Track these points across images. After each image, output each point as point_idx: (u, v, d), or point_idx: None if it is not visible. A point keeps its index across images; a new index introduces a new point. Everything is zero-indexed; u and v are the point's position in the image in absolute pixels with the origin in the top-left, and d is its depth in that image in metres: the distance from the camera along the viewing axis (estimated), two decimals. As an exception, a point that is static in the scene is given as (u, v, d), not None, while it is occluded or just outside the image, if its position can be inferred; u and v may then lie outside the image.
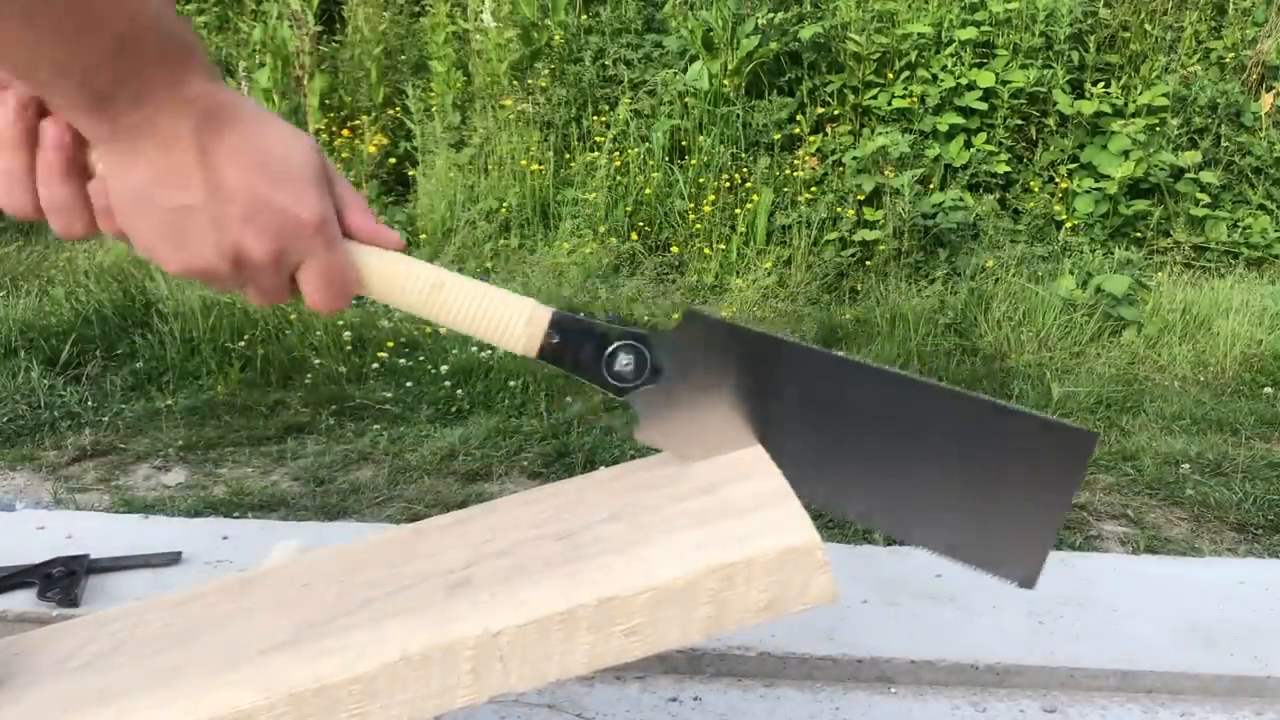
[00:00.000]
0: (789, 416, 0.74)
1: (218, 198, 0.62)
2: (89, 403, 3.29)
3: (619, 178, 4.79)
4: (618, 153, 4.88)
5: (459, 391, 3.38)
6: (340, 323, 3.70)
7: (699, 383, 0.74)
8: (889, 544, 2.19)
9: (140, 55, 0.58)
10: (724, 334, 0.74)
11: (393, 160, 5.21)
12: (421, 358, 3.60)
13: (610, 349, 0.73)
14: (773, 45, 4.95)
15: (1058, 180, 4.85)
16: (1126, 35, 5.17)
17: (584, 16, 5.40)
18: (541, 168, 4.84)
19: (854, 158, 4.77)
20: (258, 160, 0.63)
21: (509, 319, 0.72)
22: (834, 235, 4.53)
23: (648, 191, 4.74)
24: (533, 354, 0.72)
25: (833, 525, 2.58)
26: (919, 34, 4.97)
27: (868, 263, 4.49)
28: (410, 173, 5.14)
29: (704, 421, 0.75)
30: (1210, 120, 4.92)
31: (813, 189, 4.70)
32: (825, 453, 0.74)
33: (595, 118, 5.07)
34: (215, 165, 0.61)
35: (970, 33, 4.90)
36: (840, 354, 0.75)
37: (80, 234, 0.66)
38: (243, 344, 3.55)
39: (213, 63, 0.64)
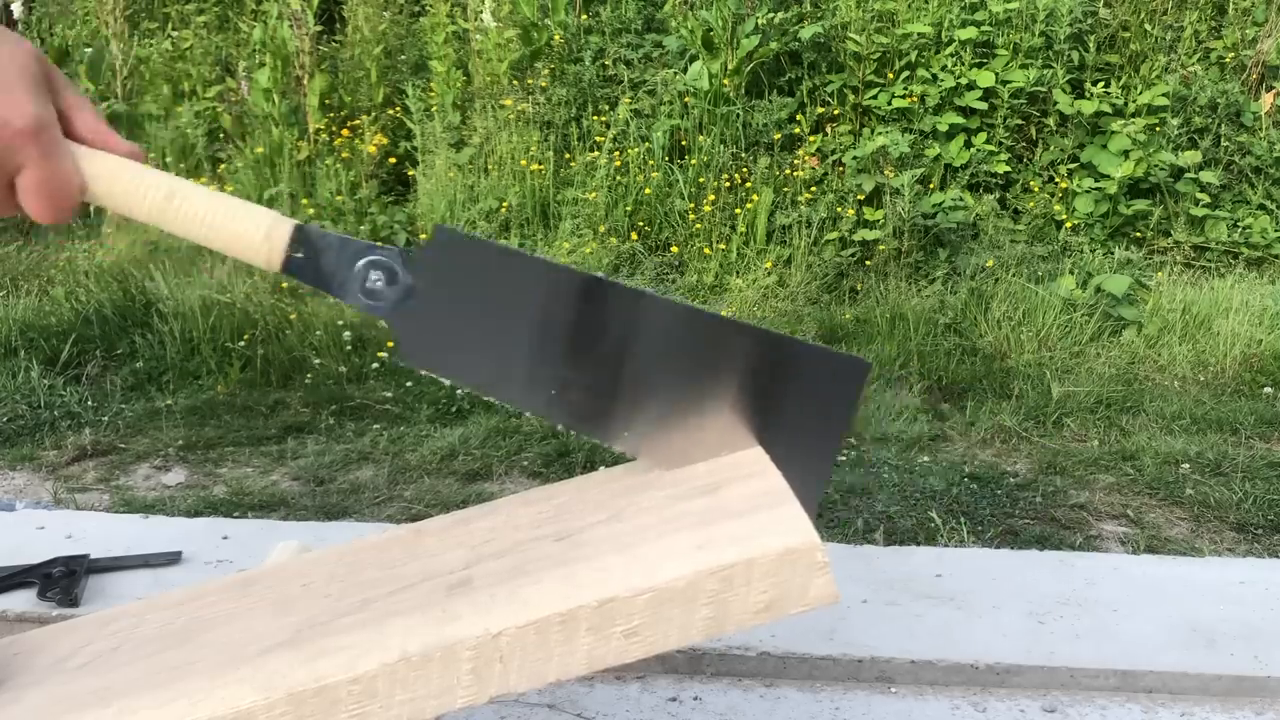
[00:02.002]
0: (549, 338, 0.72)
1: None
2: (89, 403, 3.29)
3: (619, 177, 4.79)
4: (618, 152, 4.88)
5: (459, 391, 3.38)
6: (340, 322, 3.70)
7: (454, 301, 0.72)
8: (889, 544, 2.19)
9: None
10: (475, 250, 0.72)
11: (393, 160, 5.21)
12: (421, 358, 3.60)
13: (359, 264, 0.71)
14: (773, 45, 4.95)
15: (1058, 180, 4.85)
16: (1126, 35, 5.17)
17: (584, 16, 5.40)
18: (541, 167, 4.84)
19: (854, 158, 4.77)
20: None
21: (248, 231, 0.69)
22: (834, 235, 4.53)
23: (648, 191, 4.74)
24: (276, 268, 0.70)
25: (833, 525, 2.58)
26: (919, 34, 4.97)
27: (868, 262, 4.49)
28: (410, 173, 5.14)
29: (462, 343, 0.73)
30: (1210, 120, 4.91)
31: (813, 189, 4.70)
32: (589, 376, 0.73)
33: (595, 118, 5.07)
34: None
35: (970, 32, 4.90)
36: (600, 276, 0.73)
37: None
38: (243, 344, 3.56)
39: None
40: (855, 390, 0.73)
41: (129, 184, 0.68)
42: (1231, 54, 5.16)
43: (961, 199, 4.69)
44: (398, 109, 5.34)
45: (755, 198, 4.60)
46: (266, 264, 0.70)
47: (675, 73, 5.07)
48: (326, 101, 5.25)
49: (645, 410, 0.74)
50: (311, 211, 4.74)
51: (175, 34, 5.77)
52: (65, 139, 0.66)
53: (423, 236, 4.71)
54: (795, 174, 4.73)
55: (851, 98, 5.01)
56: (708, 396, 0.73)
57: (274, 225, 0.70)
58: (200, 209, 0.69)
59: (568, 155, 4.98)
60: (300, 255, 0.70)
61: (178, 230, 0.69)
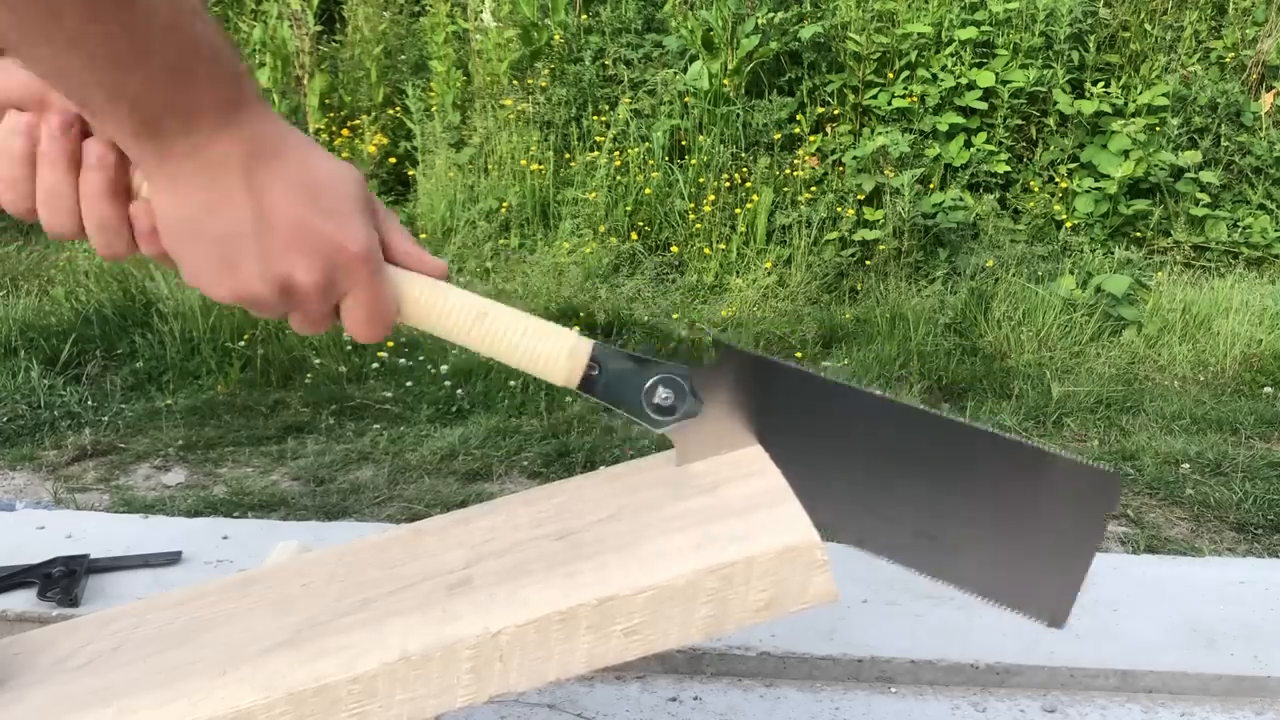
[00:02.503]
0: (824, 453, 0.75)
1: (266, 226, 0.62)
2: (89, 403, 3.29)
3: (619, 177, 4.79)
4: (618, 152, 4.88)
5: (459, 391, 3.38)
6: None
7: (736, 418, 0.74)
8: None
9: (191, 83, 0.58)
10: (759, 369, 0.74)
11: (393, 160, 5.21)
12: (421, 357, 3.60)
13: (650, 382, 0.73)
14: (773, 45, 4.95)
15: (1058, 180, 4.85)
16: (1126, 35, 5.17)
17: (584, 16, 5.40)
18: (541, 167, 4.84)
19: (854, 157, 4.77)
20: (305, 189, 0.63)
21: (552, 351, 0.72)
22: (834, 235, 4.53)
23: (648, 191, 4.74)
24: (574, 385, 0.73)
25: (833, 525, 2.58)
26: (919, 34, 4.97)
27: (868, 262, 4.49)
28: (410, 173, 5.14)
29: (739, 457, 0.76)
30: (1210, 120, 4.91)
31: (813, 189, 4.70)
32: (861, 492, 0.75)
33: (595, 117, 5.07)
34: (263, 193, 0.61)
35: (970, 32, 4.90)
36: (874, 391, 0.75)
37: (122, 254, 0.66)
38: (243, 344, 3.56)
39: (259, 90, 0.64)
40: (1108, 506, 0.73)
41: (441, 305, 0.70)
42: (1231, 54, 5.16)
43: (961, 199, 4.69)
44: (398, 109, 5.34)
45: (755, 198, 4.60)
46: (566, 381, 0.73)
47: (675, 73, 5.07)
48: (326, 101, 5.25)
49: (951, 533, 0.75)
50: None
51: (175, 34, 5.76)
52: (385, 262, 0.68)
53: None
54: (795, 174, 4.73)
55: (851, 98, 5.01)
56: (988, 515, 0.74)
57: (576, 345, 0.72)
58: (508, 328, 0.71)
59: (568, 155, 4.98)
60: (595, 372, 0.73)
61: (485, 349, 0.71)
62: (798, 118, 5.00)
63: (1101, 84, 4.98)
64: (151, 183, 0.63)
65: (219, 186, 0.61)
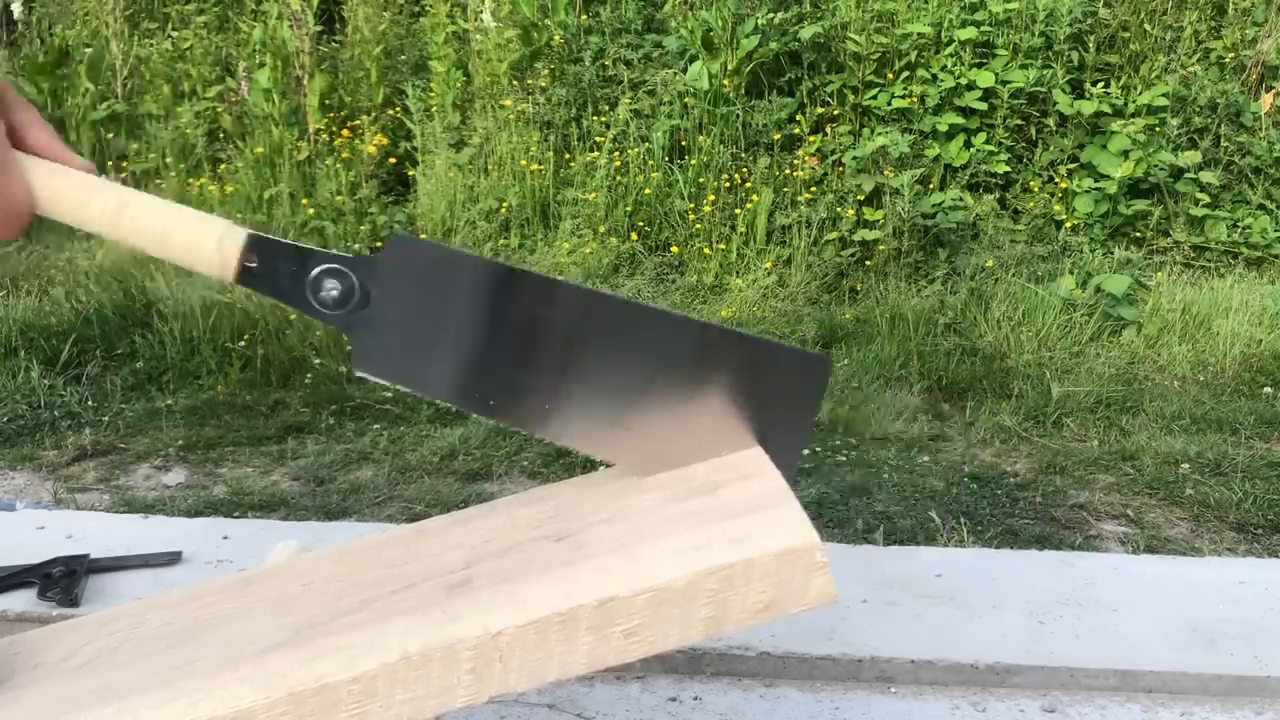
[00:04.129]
0: (509, 343, 0.72)
1: None
2: (89, 403, 3.29)
3: (619, 178, 4.79)
4: (618, 153, 4.88)
5: (459, 391, 3.38)
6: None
7: (410, 309, 0.71)
8: (889, 544, 2.19)
9: None
10: (431, 258, 0.71)
11: (393, 160, 5.21)
12: (421, 358, 3.60)
13: (314, 273, 0.70)
14: (773, 45, 4.95)
15: (1057, 180, 4.85)
16: (1126, 35, 5.17)
17: (584, 16, 5.40)
18: (541, 168, 4.84)
19: (854, 158, 4.77)
20: None
21: (200, 240, 0.68)
22: (834, 235, 4.53)
23: (648, 191, 4.74)
24: (229, 278, 0.69)
25: (833, 525, 2.58)
26: (919, 34, 4.97)
27: (868, 262, 4.49)
28: (410, 173, 5.14)
29: (418, 349, 0.72)
30: (1210, 120, 4.91)
31: (813, 189, 4.70)
32: (556, 382, 0.73)
33: (595, 118, 5.07)
34: None
35: (970, 33, 4.90)
36: (562, 279, 0.73)
37: None
38: (243, 344, 3.56)
39: None
40: (818, 385, 0.73)
41: (79, 196, 0.67)
42: (1231, 54, 5.16)
43: (961, 199, 4.69)
44: (398, 109, 5.34)
45: (755, 198, 4.60)
46: (220, 274, 0.69)
47: (675, 73, 5.07)
48: (326, 101, 5.25)
49: (609, 410, 0.74)
50: (311, 211, 4.74)
51: (175, 34, 5.76)
52: (15, 151, 0.66)
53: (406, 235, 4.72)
54: (795, 174, 4.73)
55: (851, 98, 5.01)
56: (677, 397, 0.73)
57: (226, 233, 0.69)
58: (152, 219, 0.68)
59: (568, 155, 4.98)
60: (254, 265, 0.69)
61: (130, 240, 0.68)
62: (798, 118, 5.00)
63: (1101, 84, 4.98)
64: None
65: None
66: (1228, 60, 5.15)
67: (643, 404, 0.73)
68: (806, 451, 3.04)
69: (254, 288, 0.70)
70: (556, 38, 5.27)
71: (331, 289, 0.71)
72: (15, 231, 0.66)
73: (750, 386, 0.72)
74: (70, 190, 0.67)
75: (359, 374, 0.74)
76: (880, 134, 4.78)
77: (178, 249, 0.68)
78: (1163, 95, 4.86)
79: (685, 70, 5.03)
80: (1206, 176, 4.73)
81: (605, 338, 0.72)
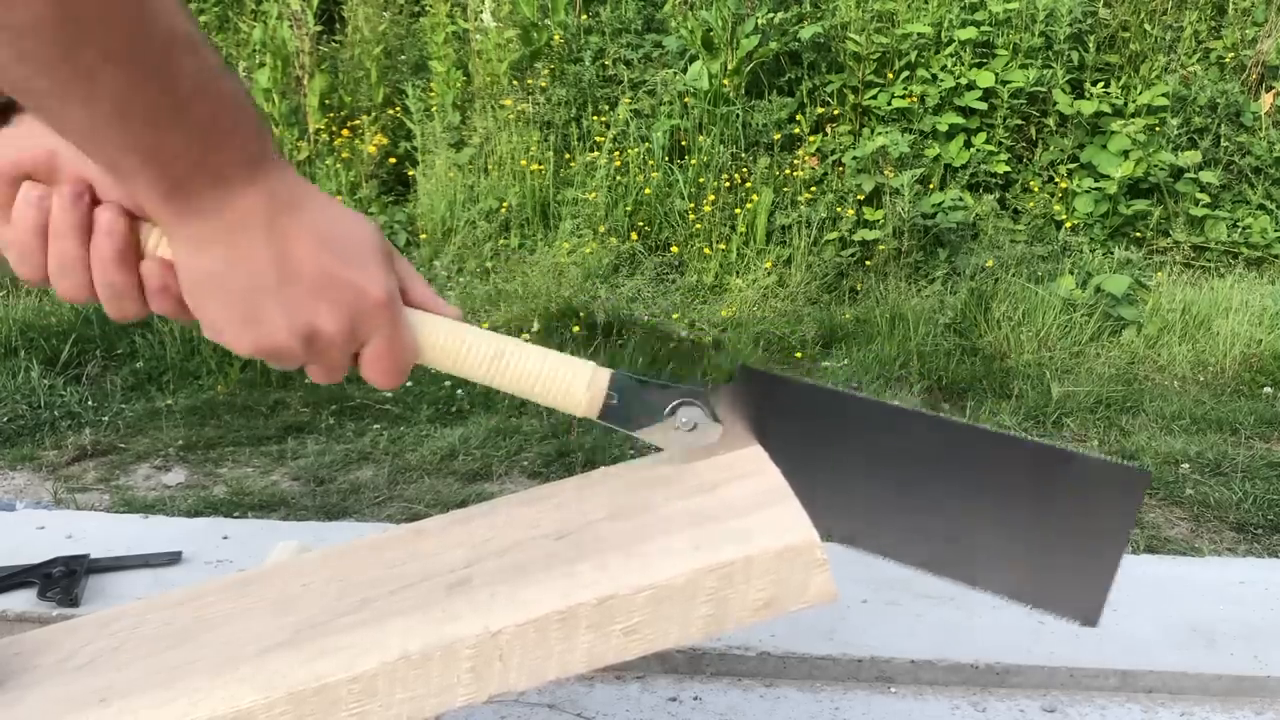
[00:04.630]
0: (846, 465, 0.75)
1: (289, 277, 0.63)
2: (89, 403, 3.29)
3: (619, 178, 4.79)
4: (618, 153, 4.88)
5: (459, 391, 3.38)
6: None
7: (753, 433, 0.75)
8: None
9: (221, 141, 0.59)
10: (779, 389, 0.75)
11: (393, 160, 5.21)
12: (421, 358, 3.60)
13: (670, 406, 0.74)
14: (773, 45, 4.95)
15: (1057, 180, 4.85)
16: (1126, 35, 5.17)
17: (584, 16, 5.40)
18: (541, 168, 4.84)
19: (854, 158, 4.77)
20: (326, 240, 0.64)
21: (570, 384, 0.72)
22: (834, 235, 4.53)
23: (648, 191, 4.74)
24: (594, 416, 0.73)
25: (833, 525, 2.58)
26: (919, 34, 4.97)
27: (868, 262, 4.49)
28: (410, 173, 5.14)
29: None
30: (1210, 120, 4.91)
31: (813, 189, 4.70)
32: (884, 503, 0.75)
33: (595, 118, 5.07)
34: (286, 245, 0.62)
35: (970, 33, 4.90)
36: (895, 403, 0.76)
37: (134, 315, 0.67)
38: (243, 344, 3.55)
39: (278, 145, 0.65)
40: (1135, 502, 0.75)
41: (459, 347, 0.71)
42: (1231, 54, 5.16)
43: (961, 199, 4.69)
44: (398, 109, 5.34)
45: (755, 198, 4.60)
46: (587, 412, 0.73)
47: (675, 73, 5.07)
48: (326, 101, 5.25)
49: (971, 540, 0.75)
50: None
51: (175, 34, 5.76)
52: (404, 308, 0.69)
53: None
54: (795, 174, 4.73)
55: (851, 98, 5.01)
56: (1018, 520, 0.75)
57: (595, 376, 0.73)
58: (525, 365, 0.72)
59: (568, 155, 4.98)
60: (615, 401, 0.73)
61: (506, 387, 0.72)
62: (797, 118, 5.00)
63: (1101, 84, 4.98)
64: (174, 241, 0.63)
65: (242, 241, 0.62)
66: (1228, 60, 5.16)
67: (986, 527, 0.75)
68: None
69: (613, 422, 0.74)
70: (556, 38, 5.27)
71: (686, 421, 0.75)
72: (402, 381, 0.70)
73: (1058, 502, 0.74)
74: (451, 341, 0.71)
75: None
76: (880, 134, 4.78)
77: (550, 395, 0.73)
78: (1163, 95, 4.86)
79: (685, 70, 5.03)
80: (1206, 176, 4.73)
81: (956, 469, 0.75)
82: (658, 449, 0.76)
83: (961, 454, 0.73)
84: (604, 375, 0.73)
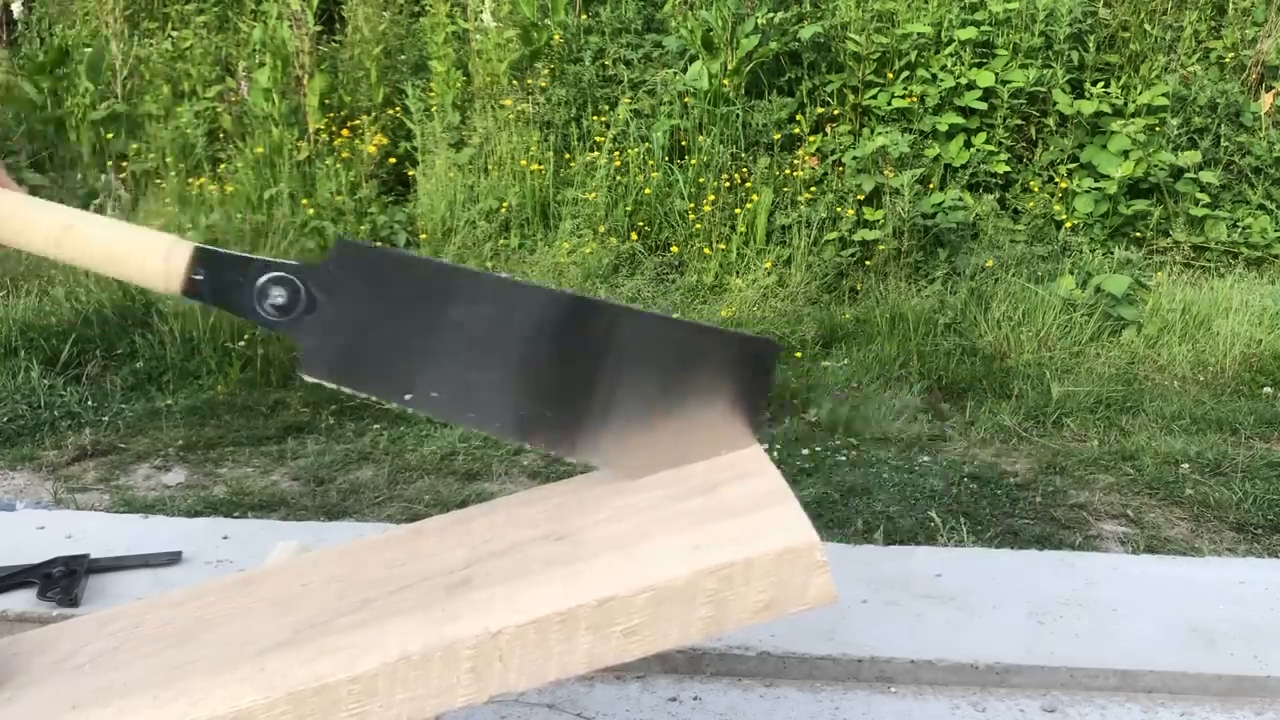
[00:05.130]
0: (457, 343, 0.72)
1: None
2: (89, 403, 3.29)
3: (619, 178, 4.79)
4: (618, 153, 4.87)
5: (459, 391, 3.37)
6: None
7: (359, 312, 0.72)
8: (889, 544, 2.19)
9: None
10: (378, 261, 0.71)
11: (393, 160, 5.21)
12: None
13: (260, 282, 0.70)
14: (773, 45, 4.95)
15: (1057, 180, 4.85)
16: (1126, 35, 5.17)
17: (584, 16, 5.39)
18: (541, 168, 4.84)
19: (854, 158, 4.77)
20: None
21: (146, 256, 0.68)
22: (834, 235, 4.53)
23: (648, 191, 4.74)
24: (177, 291, 0.69)
25: (833, 525, 2.58)
26: (919, 34, 4.97)
27: (868, 262, 4.49)
28: (410, 173, 5.13)
29: (368, 351, 0.72)
30: (1210, 120, 4.91)
31: (813, 189, 4.70)
32: (498, 376, 0.72)
33: (595, 118, 5.07)
34: None
35: (970, 32, 4.90)
36: (509, 276, 0.73)
37: None
38: (243, 344, 3.56)
39: None
40: (770, 369, 0.73)
41: (24, 217, 0.67)
42: (1231, 54, 5.16)
43: (961, 199, 4.69)
44: (398, 109, 5.33)
45: (755, 198, 4.60)
46: (166, 287, 0.69)
47: (675, 73, 5.07)
48: (326, 101, 5.25)
49: (569, 409, 0.73)
50: (311, 212, 4.74)
51: (175, 34, 5.76)
52: None
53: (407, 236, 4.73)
54: (795, 174, 4.73)
55: (851, 98, 5.01)
56: (638, 392, 0.73)
57: (172, 248, 0.69)
58: (98, 236, 0.68)
59: (568, 155, 4.98)
60: (201, 276, 0.69)
61: (78, 260, 0.68)
62: (797, 118, 5.00)
63: (1101, 84, 4.98)
64: None
65: None
66: (1228, 60, 5.15)
67: (611, 399, 0.73)
68: (806, 452, 3.04)
69: (201, 300, 0.71)
70: (556, 38, 5.27)
71: (278, 296, 0.71)
72: None
73: (718, 375, 0.72)
74: (13, 212, 0.66)
75: (307, 379, 0.74)
76: (880, 134, 4.78)
77: (125, 266, 0.68)
78: (1163, 95, 4.86)
79: (685, 70, 5.03)
80: (1206, 176, 4.73)
81: (551, 330, 0.72)
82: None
83: (581, 326, 0.71)
84: (184, 248, 0.69)
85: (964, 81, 4.87)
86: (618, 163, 4.83)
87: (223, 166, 5.15)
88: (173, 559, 1.45)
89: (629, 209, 4.71)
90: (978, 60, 4.96)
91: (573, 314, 0.72)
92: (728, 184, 4.74)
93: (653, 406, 0.72)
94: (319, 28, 5.42)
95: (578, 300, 0.72)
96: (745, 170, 4.80)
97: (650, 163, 4.83)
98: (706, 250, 4.56)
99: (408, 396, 0.73)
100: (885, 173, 4.65)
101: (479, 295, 0.71)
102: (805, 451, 3.04)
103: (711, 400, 0.72)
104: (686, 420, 0.73)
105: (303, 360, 0.72)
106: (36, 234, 0.67)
